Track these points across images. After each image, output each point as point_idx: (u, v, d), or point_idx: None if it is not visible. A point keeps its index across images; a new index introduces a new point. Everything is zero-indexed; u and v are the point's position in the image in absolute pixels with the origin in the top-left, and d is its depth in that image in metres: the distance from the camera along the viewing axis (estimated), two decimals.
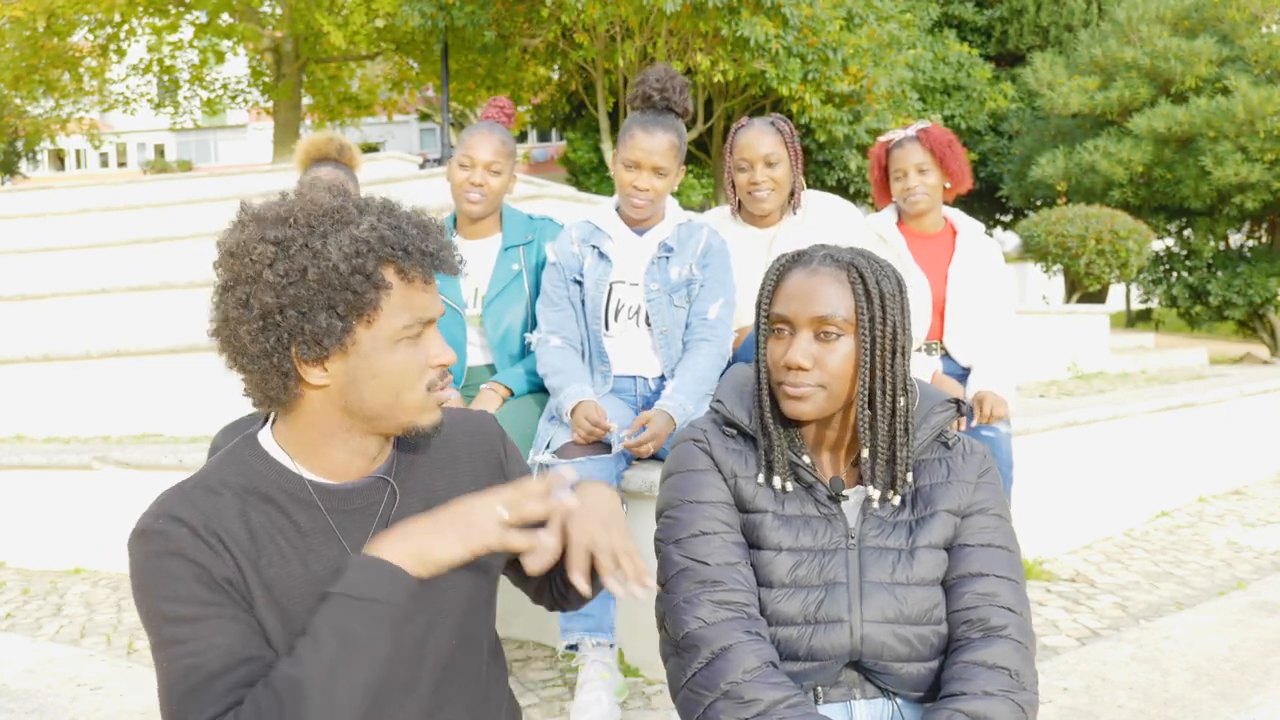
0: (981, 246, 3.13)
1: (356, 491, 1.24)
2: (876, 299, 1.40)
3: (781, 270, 1.47)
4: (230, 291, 1.15)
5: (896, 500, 1.46)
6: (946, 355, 3.09)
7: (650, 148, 2.61)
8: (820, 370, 1.40)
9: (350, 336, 1.14)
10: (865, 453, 1.44)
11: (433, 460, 1.31)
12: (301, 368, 1.16)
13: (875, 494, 1.44)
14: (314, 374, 1.16)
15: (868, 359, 1.40)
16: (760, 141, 2.81)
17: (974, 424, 2.83)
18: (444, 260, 1.20)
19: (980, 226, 3.21)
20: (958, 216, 3.19)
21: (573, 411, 2.48)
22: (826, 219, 2.93)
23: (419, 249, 1.17)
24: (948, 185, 3.10)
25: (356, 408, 1.18)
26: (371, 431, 1.22)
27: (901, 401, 1.43)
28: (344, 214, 1.15)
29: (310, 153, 2.94)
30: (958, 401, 1.53)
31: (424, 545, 1.12)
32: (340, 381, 1.17)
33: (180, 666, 1.10)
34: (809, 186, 2.97)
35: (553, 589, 1.39)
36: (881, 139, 3.20)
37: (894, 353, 1.42)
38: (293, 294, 1.11)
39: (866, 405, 1.42)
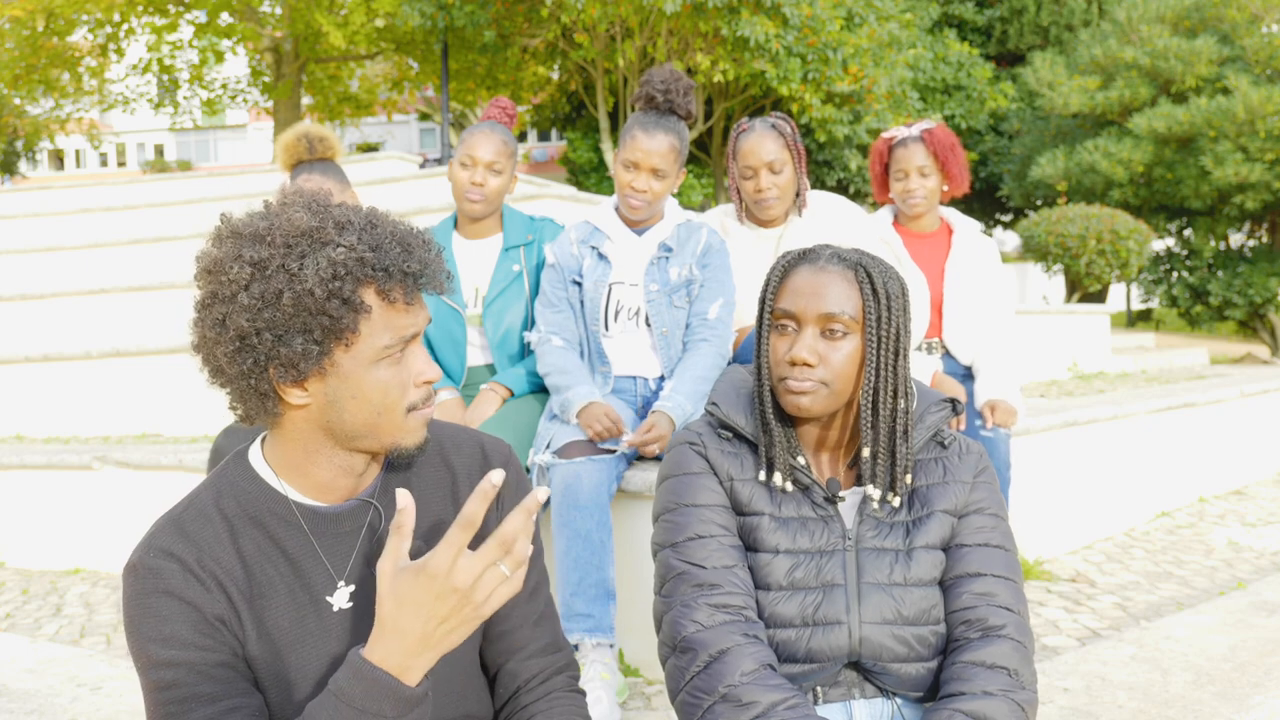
0: (977, 244, 3.13)
1: (343, 515, 1.22)
2: (883, 299, 1.40)
3: (787, 266, 1.46)
4: (207, 310, 1.13)
5: (896, 501, 1.46)
6: (946, 353, 3.09)
7: (650, 149, 2.61)
8: (824, 367, 1.40)
9: (329, 359, 1.12)
10: (866, 452, 1.44)
11: (426, 482, 1.28)
12: (280, 389, 1.14)
13: (876, 494, 1.44)
14: (293, 394, 1.14)
15: (873, 359, 1.40)
16: (763, 148, 2.79)
17: (988, 426, 2.83)
18: (428, 279, 1.16)
19: (976, 225, 3.21)
20: (953, 216, 3.20)
21: (585, 410, 2.48)
22: (832, 219, 2.93)
23: (400, 269, 1.12)
24: (945, 188, 3.11)
25: (338, 427, 1.16)
26: (354, 450, 1.19)
27: (902, 403, 1.43)
28: (322, 234, 1.11)
29: (286, 159, 2.95)
30: (953, 401, 1.53)
31: (433, 644, 1.03)
32: (320, 401, 1.15)
33: (164, 713, 1.10)
34: (810, 187, 2.96)
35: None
36: (885, 134, 3.20)
37: (897, 354, 1.42)
38: (268, 318, 1.09)
39: (870, 406, 1.42)
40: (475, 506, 1.02)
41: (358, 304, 1.10)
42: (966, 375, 3.07)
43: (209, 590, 1.14)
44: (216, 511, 1.19)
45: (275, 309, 1.08)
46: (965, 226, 3.17)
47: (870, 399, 1.41)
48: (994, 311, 3.07)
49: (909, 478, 1.45)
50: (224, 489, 1.21)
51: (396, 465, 1.27)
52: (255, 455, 1.24)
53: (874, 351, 1.40)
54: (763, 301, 1.47)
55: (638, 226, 2.75)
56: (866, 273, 1.41)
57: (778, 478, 1.45)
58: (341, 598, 1.20)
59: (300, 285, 1.08)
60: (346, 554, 1.22)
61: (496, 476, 1.03)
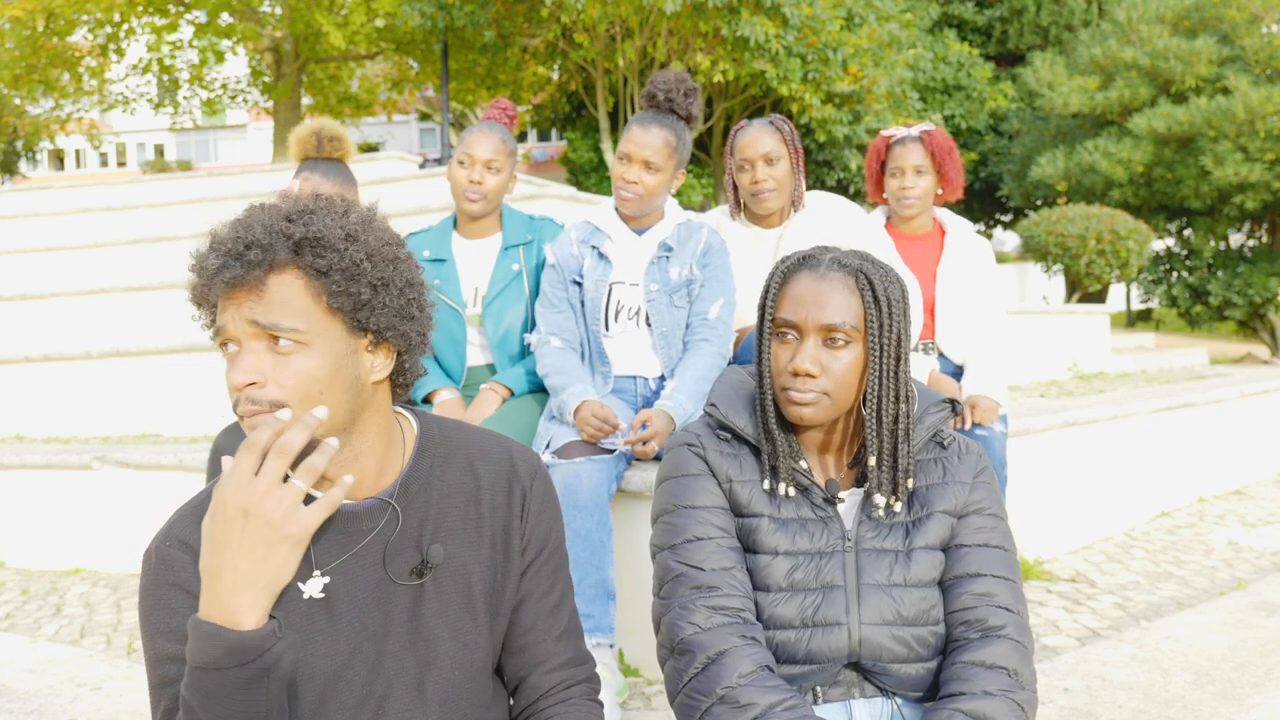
0: (970, 245, 3.13)
1: (360, 514, 1.21)
2: (885, 306, 1.40)
3: (787, 273, 1.45)
4: None
5: (898, 505, 1.45)
6: (941, 355, 3.10)
7: (642, 141, 2.62)
8: (826, 377, 1.39)
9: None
10: (872, 460, 1.43)
11: (450, 486, 1.27)
12: None
13: (882, 500, 1.44)
14: None
15: (876, 367, 1.40)
16: (759, 140, 2.81)
17: (966, 427, 2.83)
18: (217, 282, 1.12)
19: (969, 226, 3.21)
20: (946, 216, 3.20)
21: (577, 411, 2.49)
22: (832, 218, 2.93)
23: (198, 267, 1.15)
24: (939, 191, 3.11)
25: None
26: None
27: (904, 407, 1.42)
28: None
29: (296, 153, 2.94)
30: (953, 401, 1.53)
31: (246, 578, 1.03)
32: None
33: (164, 708, 1.11)
34: (809, 187, 2.96)
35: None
36: (884, 133, 3.20)
37: (898, 360, 1.41)
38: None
39: (874, 414, 1.41)
40: (292, 435, 1.04)
41: (211, 301, 1.16)
42: (959, 375, 3.07)
43: None
44: None
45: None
46: (958, 227, 3.17)
47: (874, 407, 1.41)
48: (985, 313, 3.07)
49: (910, 481, 1.45)
50: None
51: (419, 466, 1.26)
52: None
53: (876, 359, 1.40)
54: (763, 309, 1.45)
55: (638, 226, 2.75)
56: (868, 280, 1.40)
57: (781, 486, 1.45)
58: (314, 586, 1.18)
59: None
60: (341, 548, 1.20)
61: (320, 412, 1.07)
